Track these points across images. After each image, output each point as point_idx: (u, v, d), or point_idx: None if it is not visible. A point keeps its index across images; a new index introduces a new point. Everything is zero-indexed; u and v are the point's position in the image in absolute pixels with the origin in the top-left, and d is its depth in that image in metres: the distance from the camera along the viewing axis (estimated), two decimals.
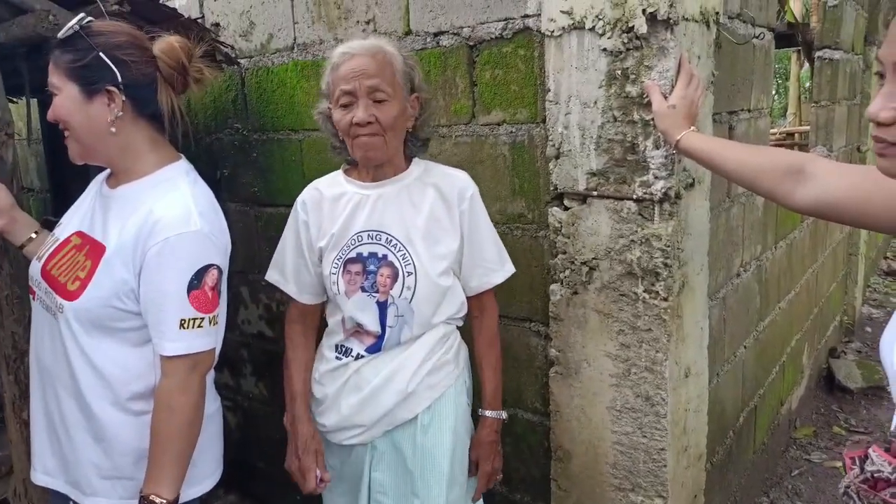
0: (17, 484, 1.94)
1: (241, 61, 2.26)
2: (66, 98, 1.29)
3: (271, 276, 1.58)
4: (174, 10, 1.91)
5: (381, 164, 1.44)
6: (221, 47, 2.09)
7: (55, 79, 1.29)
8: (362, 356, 1.46)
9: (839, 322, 4.18)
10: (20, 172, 1.77)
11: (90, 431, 1.35)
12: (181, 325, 1.26)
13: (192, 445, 1.30)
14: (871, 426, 3.33)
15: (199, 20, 2.19)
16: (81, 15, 1.30)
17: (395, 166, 1.47)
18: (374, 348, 1.45)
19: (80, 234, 1.37)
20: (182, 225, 1.26)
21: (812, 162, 1.17)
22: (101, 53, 1.27)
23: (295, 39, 2.13)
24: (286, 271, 1.55)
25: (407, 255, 1.42)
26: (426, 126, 1.52)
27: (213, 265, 1.29)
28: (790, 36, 3.71)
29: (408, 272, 1.42)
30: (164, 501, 1.26)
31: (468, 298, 1.54)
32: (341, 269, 1.44)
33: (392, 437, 1.48)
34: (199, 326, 1.27)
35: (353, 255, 1.44)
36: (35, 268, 1.41)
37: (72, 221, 1.43)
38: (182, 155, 1.44)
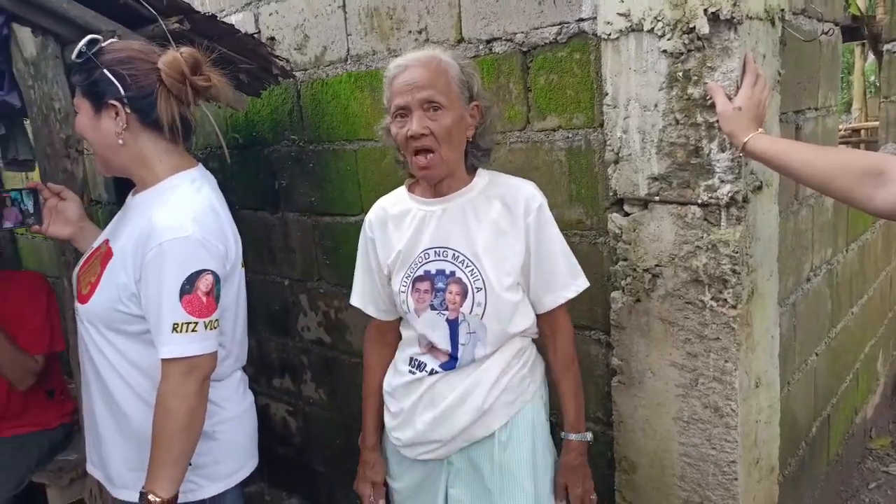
0: (93, 485, 2.01)
1: (297, 74, 2.30)
2: (83, 115, 1.38)
3: (353, 300, 1.59)
4: (231, 26, 1.95)
5: (441, 179, 1.42)
6: (277, 61, 2.13)
7: (76, 98, 1.40)
8: (436, 372, 1.44)
9: None
10: (89, 186, 1.85)
11: (116, 427, 1.42)
12: (174, 329, 1.28)
13: (190, 448, 1.32)
14: None
15: (256, 35, 2.24)
16: (90, 37, 1.37)
17: (457, 180, 1.44)
18: (448, 366, 1.43)
19: (105, 241, 1.46)
20: (174, 231, 1.30)
21: (893, 162, 1.11)
22: (104, 70, 1.34)
23: (348, 51, 2.16)
24: (364, 292, 1.57)
25: (475, 270, 1.39)
26: (487, 134, 1.46)
27: (206, 270, 1.31)
28: (854, 29, 3.56)
29: (477, 288, 1.38)
30: (160, 500, 1.28)
31: (539, 316, 1.48)
32: (410, 287, 1.43)
33: (469, 454, 1.46)
34: (192, 331, 1.29)
35: (420, 272, 1.42)
36: (74, 273, 1.52)
37: (106, 230, 1.53)
38: (199, 163, 1.47)
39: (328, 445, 2.66)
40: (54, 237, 1.61)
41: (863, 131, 7.00)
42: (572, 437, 1.51)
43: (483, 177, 1.47)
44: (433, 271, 1.42)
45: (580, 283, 1.46)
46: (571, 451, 1.51)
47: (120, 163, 1.41)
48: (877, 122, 3.88)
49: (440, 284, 1.40)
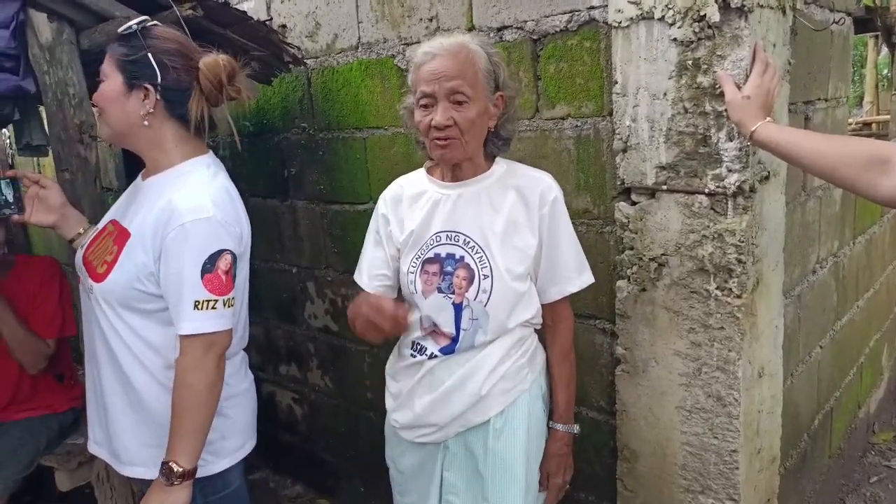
0: (101, 469, 2.04)
1: (308, 62, 2.31)
2: (110, 86, 1.41)
3: (357, 277, 1.57)
4: (244, 13, 1.96)
5: (459, 164, 1.42)
6: (288, 48, 2.14)
7: (107, 67, 1.42)
8: (436, 356, 1.45)
9: None
10: (101, 173, 1.87)
11: (128, 402, 1.45)
12: (195, 307, 1.33)
13: (209, 420, 1.38)
14: None
15: (268, 22, 2.24)
16: (145, 17, 1.43)
17: (475, 166, 1.44)
18: (448, 350, 1.44)
19: (114, 222, 1.50)
20: (196, 212, 1.35)
21: None
22: (149, 54, 1.39)
23: (359, 39, 2.16)
24: (362, 264, 1.56)
25: (484, 257, 1.40)
26: (509, 124, 1.46)
27: (226, 250, 1.37)
28: (867, 21, 3.53)
29: (484, 275, 1.39)
30: (182, 469, 1.34)
31: (543, 306, 1.49)
32: (419, 268, 1.44)
33: (465, 439, 1.47)
34: (212, 308, 1.34)
35: (431, 255, 1.43)
36: (78, 256, 1.54)
37: (110, 212, 1.56)
38: (210, 150, 1.52)
39: (334, 433, 2.68)
40: (38, 225, 1.64)
41: (874, 125, 6.94)
42: (559, 427, 1.54)
43: (501, 165, 1.48)
44: (443, 254, 1.43)
45: (585, 279, 1.48)
46: (557, 441, 1.54)
47: (135, 141, 1.46)
48: (888, 116, 3.85)
49: (449, 268, 1.42)
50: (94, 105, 1.46)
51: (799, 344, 1.99)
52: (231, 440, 1.52)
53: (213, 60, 1.42)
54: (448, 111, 1.32)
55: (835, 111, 2.09)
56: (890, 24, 3.50)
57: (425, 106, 1.35)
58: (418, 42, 1.98)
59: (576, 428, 1.57)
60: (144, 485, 1.51)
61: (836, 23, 1.98)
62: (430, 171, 1.51)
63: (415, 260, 1.45)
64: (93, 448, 1.58)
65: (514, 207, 1.42)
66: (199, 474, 1.40)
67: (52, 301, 2.30)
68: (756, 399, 1.59)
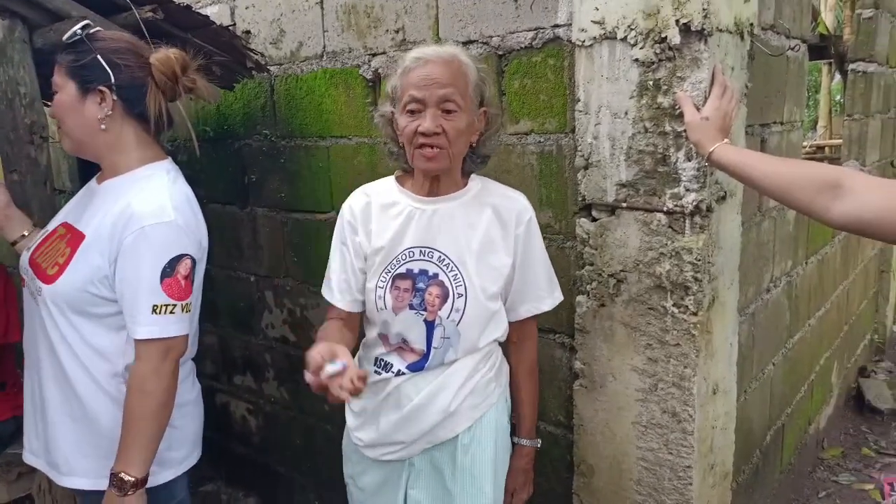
0: (42, 480, 1.96)
1: (272, 68, 2.28)
2: (64, 95, 1.40)
3: (325, 292, 1.50)
4: (207, 17, 1.92)
5: (437, 177, 1.39)
6: (252, 55, 2.11)
7: (58, 77, 1.41)
8: (403, 373, 1.42)
9: (869, 341, 4.09)
10: (53, 174, 1.81)
11: (69, 411, 1.42)
12: (153, 311, 1.33)
13: (163, 427, 1.36)
14: None
15: (231, 28, 2.21)
16: (86, 21, 1.42)
17: (452, 181, 1.42)
18: (417, 367, 1.41)
19: (65, 224, 1.47)
20: (157, 216, 1.34)
21: (850, 176, 1.14)
22: (98, 56, 1.38)
23: (324, 47, 2.15)
24: (331, 280, 1.48)
25: (459, 275, 1.38)
26: (489, 142, 1.45)
27: (186, 255, 1.37)
28: (822, 48, 3.65)
29: (458, 294, 1.38)
30: (133, 479, 1.32)
31: (511, 323, 1.48)
32: (389, 284, 1.40)
33: (431, 456, 1.45)
34: (171, 312, 1.34)
35: (402, 270, 1.40)
36: (24, 258, 1.51)
37: (60, 215, 1.54)
38: (168, 156, 1.51)
39: (289, 446, 2.63)
40: None
41: (827, 148, 7.19)
42: (525, 442, 1.55)
43: (477, 182, 1.47)
44: (416, 270, 1.40)
45: (556, 297, 1.50)
46: (523, 457, 1.55)
47: (95, 147, 1.44)
48: (840, 140, 3.99)
49: (421, 284, 1.39)
50: (52, 117, 1.46)
51: (752, 361, 2.03)
52: (177, 451, 1.50)
53: (164, 55, 1.42)
54: (437, 118, 1.30)
55: (790, 134, 2.15)
56: (843, 51, 3.63)
57: (413, 112, 1.32)
58: (384, 53, 1.98)
59: (539, 442, 1.58)
60: (87, 497, 1.46)
61: (792, 49, 2.04)
62: (400, 182, 1.47)
63: (384, 275, 1.41)
64: (29, 458, 1.53)
65: (491, 226, 1.42)
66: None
67: None
68: (710, 415, 1.61)
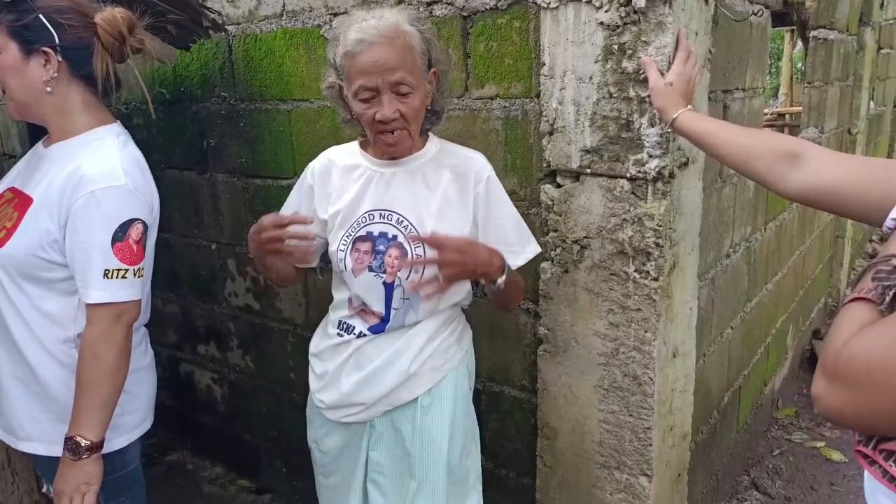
0: (1, 453, 1.93)
1: (229, 28, 2.20)
2: (6, 57, 1.35)
3: None
4: None
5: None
6: (208, 13, 2.03)
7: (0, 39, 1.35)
8: (364, 335, 1.43)
9: (824, 304, 4.22)
10: (2, 139, 1.73)
11: (20, 377, 1.42)
12: (105, 275, 1.32)
13: (118, 391, 1.37)
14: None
15: None
16: None
17: (411, 145, 1.42)
18: (378, 329, 1.42)
19: (12, 189, 1.44)
20: (108, 180, 1.33)
21: (809, 148, 1.15)
22: (40, 15, 1.33)
23: (284, 6, 2.08)
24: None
25: (418, 237, 1.38)
26: (442, 99, 1.45)
27: (137, 219, 1.36)
28: (784, 14, 3.67)
29: (417, 255, 1.38)
30: (89, 442, 1.32)
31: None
32: (350, 246, 1.41)
33: (391, 418, 1.46)
34: (122, 277, 1.34)
35: (362, 233, 1.40)
36: None
37: (6, 179, 1.50)
38: (117, 119, 1.49)
39: (255, 414, 2.62)
40: None
41: (787, 116, 7.30)
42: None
43: (434, 143, 1.46)
44: (375, 233, 1.40)
45: (530, 251, 1.46)
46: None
47: (41, 110, 1.40)
48: (801, 108, 4.05)
49: (381, 247, 1.39)
50: None
51: (711, 325, 2.07)
52: (131, 416, 1.50)
53: (109, 14, 1.38)
54: (393, 104, 1.29)
55: (752, 101, 2.17)
56: (804, 18, 3.65)
57: (366, 99, 1.31)
58: (346, 13, 1.92)
59: (502, 279, 1.38)
60: (42, 462, 1.45)
61: (755, 14, 2.05)
62: (363, 146, 1.48)
63: (345, 237, 1.42)
64: None
65: (449, 187, 1.41)
66: None
67: None
68: (670, 378, 1.64)
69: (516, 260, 1.46)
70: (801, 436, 3.08)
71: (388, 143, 1.35)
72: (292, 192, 1.55)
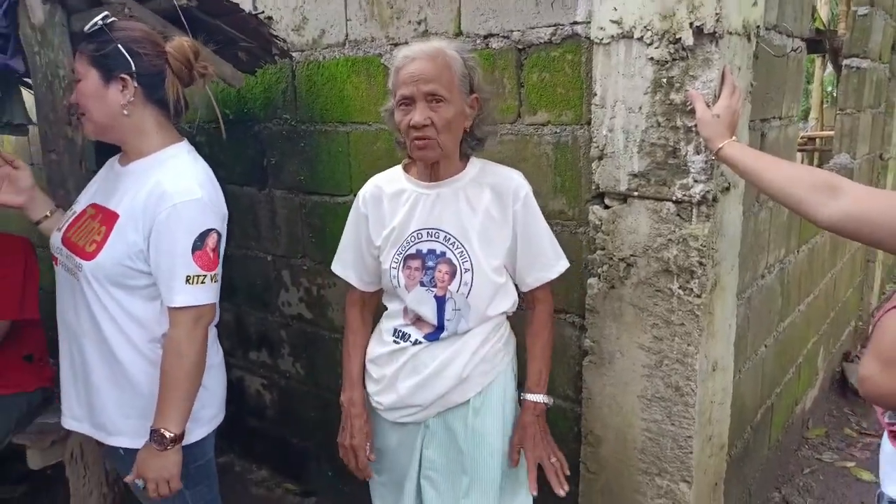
0: (74, 447, 2.06)
1: (293, 55, 2.36)
2: (88, 83, 1.48)
3: (335, 268, 1.69)
4: (236, 4, 2.00)
5: (437, 162, 1.51)
6: (277, 41, 2.19)
7: (80, 66, 1.50)
8: (420, 342, 1.55)
9: (854, 327, 4.24)
10: (87, 155, 1.89)
11: (111, 376, 1.54)
12: (187, 281, 1.45)
13: (197, 387, 1.49)
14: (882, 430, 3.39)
15: (258, 14, 2.28)
16: (105, 13, 1.50)
17: (451, 165, 1.54)
18: (433, 337, 1.54)
19: (94, 205, 1.57)
20: (186, 194, 1.45)
21: (844, 181, 1.24)
22: (119, 45, 1.46)
23: (347, 36, 2.23)
24: (347, 262, 1.66)
25: (464, 252, 1.50)
26: (483, 125, 1.55)
27: (213, 229, 1.48)
28: (817, 42, 3.75)
29: (465, 269, 1.50)
30: (173, 434, 1.45)
31: (525, 293, 1.61)
32: (401, 264, 1.53)
33: (444, 418, 1.57)
34: (202, 283, 1.46)
35: (412, 251, 1.53)
36: (56, 238, 1.61)
37: (85, 197, 1.64)
38: (185, 137, 1.62)
39: (303, 419, 2.74)
40: (6, 205, 1.70)
41: (818, 140, 7.30)
42: (528, 396, 1.61)
43: (475, 165, 1.58)
44: (424, 250, 1.53)
45: (562, 265, 1.59)
46: (528, 410, 1.60)
47: (118, 131, 1.53)
48: (832, 132, 4.10)
49: (430, 263, 1.52)
50: (72, 104, 1.55)
51: (747, 342, 2.16)
52: (208, 409, 1.62)
53: (178, 42, 1.52)
54: (425, 111, 1.42)
55: (787, 129, 2.27)
56: (837, 46, 3.73)
57: (405, 107, 1.45)
58: (406, 43, 2.06)
59: (546, 399, 1.61)
60: (120, 459, 1.58)
61: (794, 50, 2.15)
62: (406, 170, 1.60)
63: (397, 256, 1.54)
64: (70, 424, 1.64)
65: (490, 205, 1.53)
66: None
67: (12, 280, 2.26)
68: (710, 390, 1.73)
69: (550, 273, 1.58)
70: (831, 455, 3.12)
71: (417, 148, 1.45)
72: (347, 225, 1.66)
